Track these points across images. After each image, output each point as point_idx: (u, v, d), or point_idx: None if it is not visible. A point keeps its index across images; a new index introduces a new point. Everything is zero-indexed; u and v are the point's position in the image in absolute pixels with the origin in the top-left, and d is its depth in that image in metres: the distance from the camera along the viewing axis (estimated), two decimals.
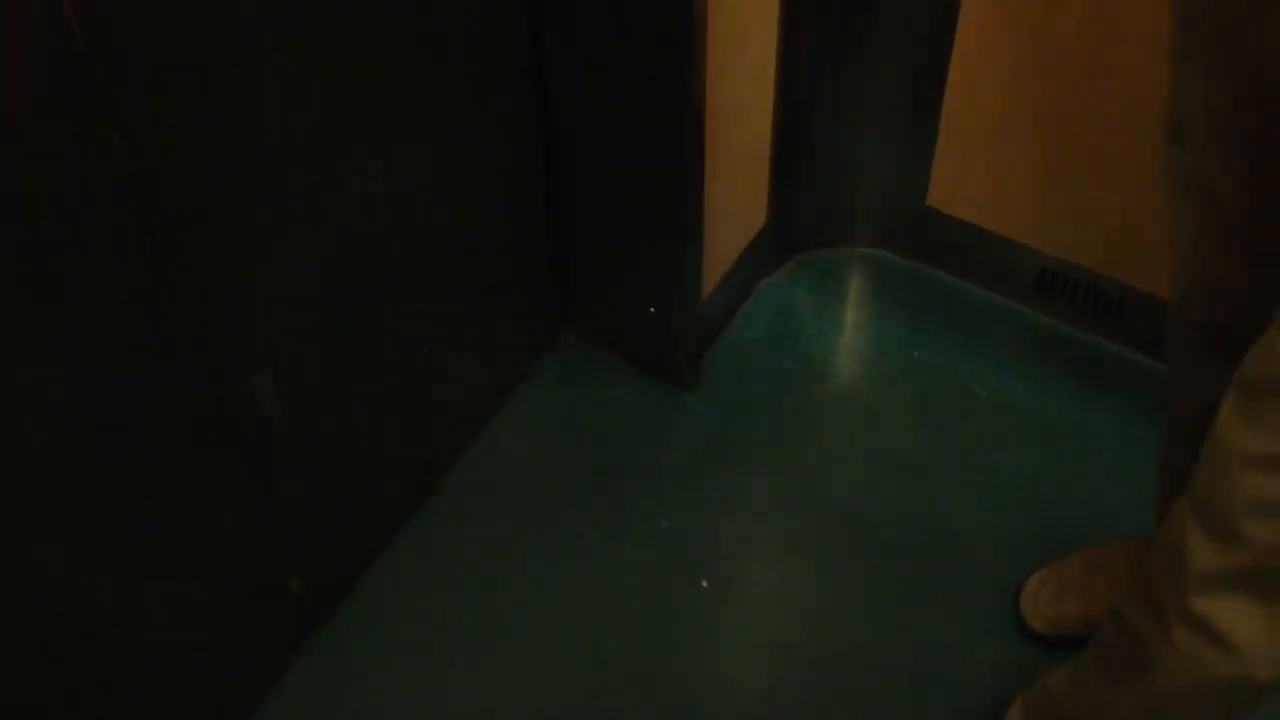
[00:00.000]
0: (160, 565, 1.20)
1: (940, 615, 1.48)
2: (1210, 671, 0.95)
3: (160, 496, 1.16)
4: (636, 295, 1.62)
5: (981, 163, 1.64)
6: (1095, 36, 1.43)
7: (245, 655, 1.39)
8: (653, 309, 1.61)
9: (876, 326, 1.78)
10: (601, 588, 1.51)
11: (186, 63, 0.97)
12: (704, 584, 1.51)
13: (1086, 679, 1.16)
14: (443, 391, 1.55)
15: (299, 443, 1.31)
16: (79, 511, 1.07)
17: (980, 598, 1.48)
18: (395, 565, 1.53)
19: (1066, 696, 1.19)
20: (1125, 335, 1.70)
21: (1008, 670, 1.40)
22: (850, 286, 1.83)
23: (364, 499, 1.49)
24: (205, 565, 1.26)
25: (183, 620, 1.27)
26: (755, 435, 1.66)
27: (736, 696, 1.44)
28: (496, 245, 1.53)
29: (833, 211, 1.80)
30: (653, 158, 1.43)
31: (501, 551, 1.55)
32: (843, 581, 1.52)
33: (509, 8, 1.33)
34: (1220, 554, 0.90)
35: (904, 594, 1.50)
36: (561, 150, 1.50)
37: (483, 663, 1.45)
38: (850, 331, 1.79)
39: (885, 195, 1.76)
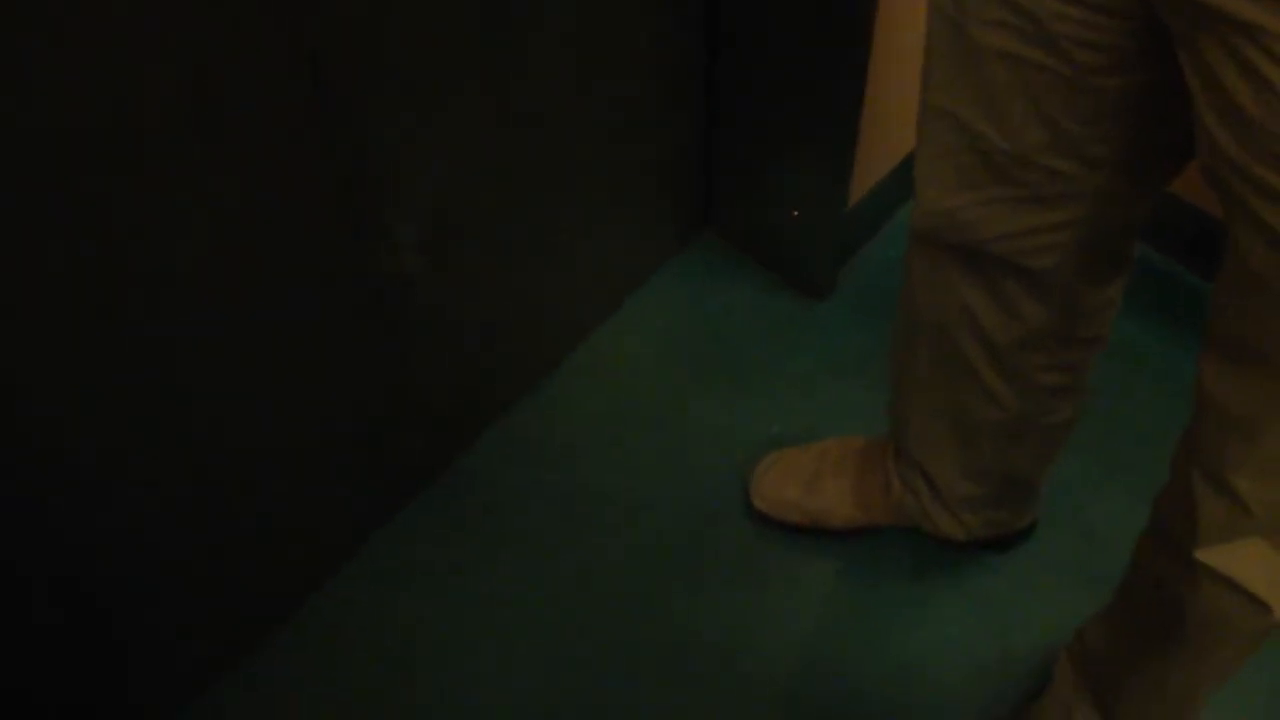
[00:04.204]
0: (286, 402, 1.23)
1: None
2: (1236, 622, 0.96)
3: (296, 336, 1.18)
4: (782, 196, 1.59)
5: None
6: None
7: (349, 501, 1.43)
8: (796, 212, 1.58)
9: None
10: (700, 485, 1.51)
11: None
12: None
13: (1119, 629, 1.16)
14: (574, 273, 1.55)
15: (433, 300, 1.32)
16: (222, 337, 1.10)
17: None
18: (507, 434, 1.55)
19: (1105, 649, 1.19)
20: None
21: None
22: None
23: (485, 367, 1.50)
24: (327, 408, 1.29)
25: (298, 455, 1.30)
26: (880, 353, 1.62)
27: (832, 597, 1.44)
28: (648, 132, 1.51)
29: None
30: (818, 50, 1.39)
31: (607, 435, 1.56)
32: None
33: None
34: (1224, 508, 0.90)
35: None
36: (724, 37, 1.46)
37: (572, 536, 1.47)
38: None
39: None
